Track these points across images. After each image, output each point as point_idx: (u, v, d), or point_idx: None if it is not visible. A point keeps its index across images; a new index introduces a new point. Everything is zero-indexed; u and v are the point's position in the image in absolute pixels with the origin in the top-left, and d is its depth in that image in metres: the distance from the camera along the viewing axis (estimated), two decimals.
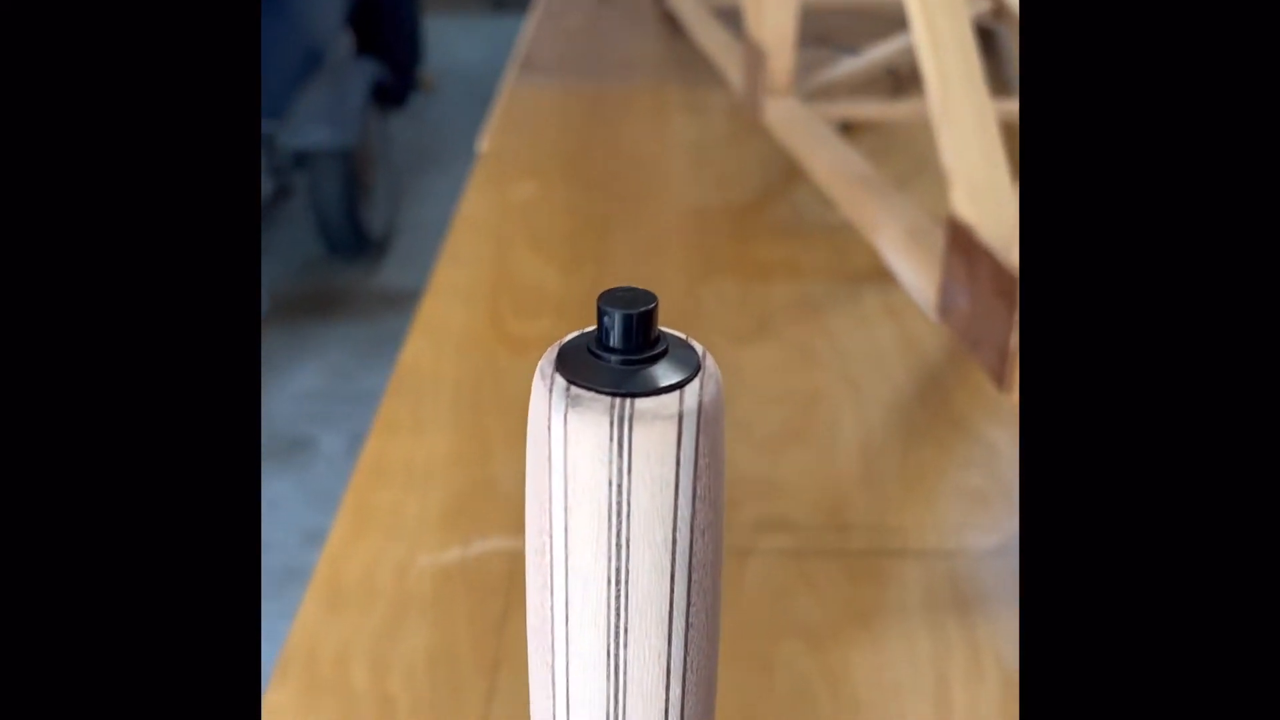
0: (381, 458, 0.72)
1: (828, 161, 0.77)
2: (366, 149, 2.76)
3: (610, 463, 0.21)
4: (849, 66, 1.12)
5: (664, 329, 0.23)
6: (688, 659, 0.23)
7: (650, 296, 0.22)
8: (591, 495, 0.21)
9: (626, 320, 0.22)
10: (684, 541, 0.22)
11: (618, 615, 0.22)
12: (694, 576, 0.22)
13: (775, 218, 1.03)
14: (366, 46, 3.13)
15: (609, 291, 0.22)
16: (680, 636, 0.23)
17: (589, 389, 0.21)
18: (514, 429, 0.74)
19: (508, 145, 1.19)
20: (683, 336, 0.23)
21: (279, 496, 1.99)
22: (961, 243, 0.52)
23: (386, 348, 2.45)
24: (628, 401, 0.21)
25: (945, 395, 0.77)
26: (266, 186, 2.64)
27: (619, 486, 0.21)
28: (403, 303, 2.57)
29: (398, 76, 3.10)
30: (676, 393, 0.21)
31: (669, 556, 0.22)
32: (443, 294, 0.91)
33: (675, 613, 0.23)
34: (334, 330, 2.58)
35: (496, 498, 0.68)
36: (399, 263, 2.84)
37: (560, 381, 0.21)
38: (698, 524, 0.22)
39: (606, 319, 0.22)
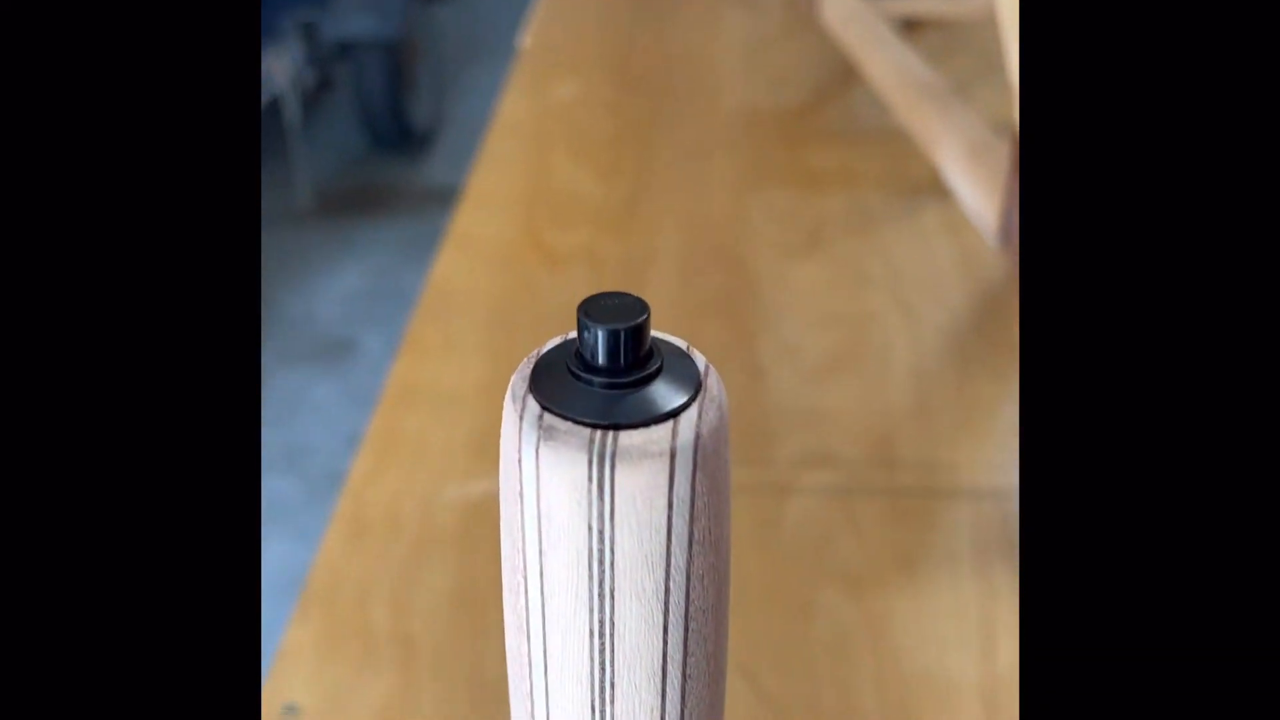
0: (409, 381, 0.70)
1: (886, 65, 0.72)
2: (411, 40, 2.70)
3: (590, 506, 0.18)
4: None
5: (661, 336, 0.20)
6: (685, 712, 0.20)
7: (641, 306, 0.19)
8: (570, 541, 0.18)
9: (612, 337, 0.18)
10: (679, 591, 0.19)
11: (603, 669, 0.20)
12: (691, 626, 0.20)
13: (830, 122, 0.98)
14: None
15: (592, 299, 0.19)
16: (676, 689, 0.20)
17: (565, 418, 0.18)
18: None
19: (550, 41, 1.14)
20: (682, 346, 0.20)
21: (322, 399, 2.00)
22: None
23: (431, 246, 2.43)
24: (610, 435, 0.18)
25: (1006, 322, 0.73)
26: (308, 78, 2.60)
27: (600, 533, 0.18)
28: (448, 199, 2.53)
29: None
30: (669, 424, 0.18)
31: (661, 607, 0.19)
32: (478, 203, 0.88)
33: (670, 665, 0.20)
34: (378, 228, 2.56)
35: None
36: (444, 158, 2.80)
37: (533, 406, 0.18)
38: (695, 570, 0.19)
39: (588, 334, 0.19)
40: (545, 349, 0.19)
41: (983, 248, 0.80)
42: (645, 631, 0.19)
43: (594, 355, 0.18)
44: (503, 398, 0.19)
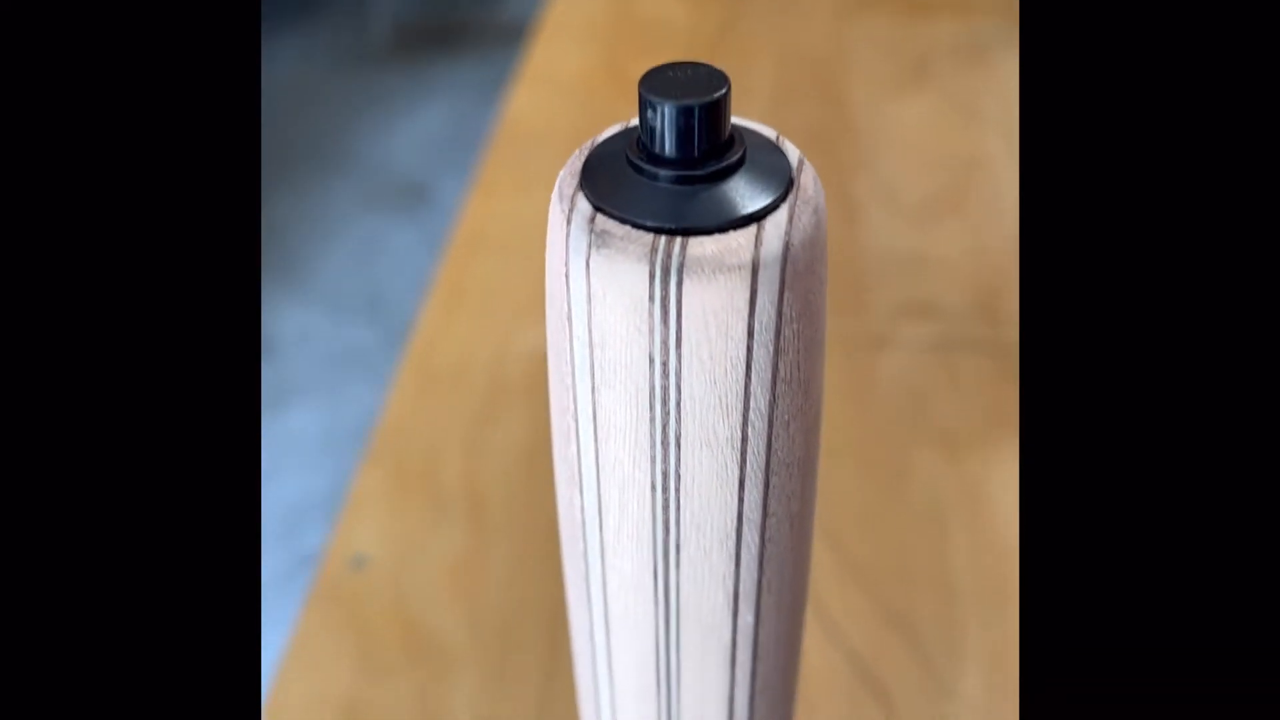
0: (479, 227, 0.68)
1: None
2: None
3: (652, 333, 0.15)
4: None
5: (745, 123, 0.17)
6: (763, 582, 0.18)
7: (719, 79, 0.16)
8: (627, 376, 0.16)
9: (682, 116, 0.15)
10: (758, 440, 0.16)
11: (666, 530, 0.17)
12: (772, 482, 0.17)
13: None
14: None
15: (657, 70, 0.16)
16: (753, 555, 0.17)
17: (623, 220, 0.15)
18: None
19: None
20: (771, 136, 0.17)
21: (400, 246, 2.00)
22: None
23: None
24: (677, 242, 0.15)
25: None
26: None
27: (664, 366, 0.15)
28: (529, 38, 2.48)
29: None
30: (752, 229, 0.15)
31: (736, 459, 0.16)
32: (555, 34, 0.85)
33: (746, 527, 0.17)
34: (458, 66, 2.52)
35: None
36: None
37: (584, 207, 0.15)
38: (779, 416, 0.16)
39: (653, 113, 0.15)
40: (601, 138, 0.17)
41: None
42: (717, 487, 0.16)
43: (659, 141, 0.15)
44: None
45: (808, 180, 0.16)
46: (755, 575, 0.18)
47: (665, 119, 0.15)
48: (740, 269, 0.14)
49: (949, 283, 0.62)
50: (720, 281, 0.14)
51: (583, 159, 0.16)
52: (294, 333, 1.84)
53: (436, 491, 0.53)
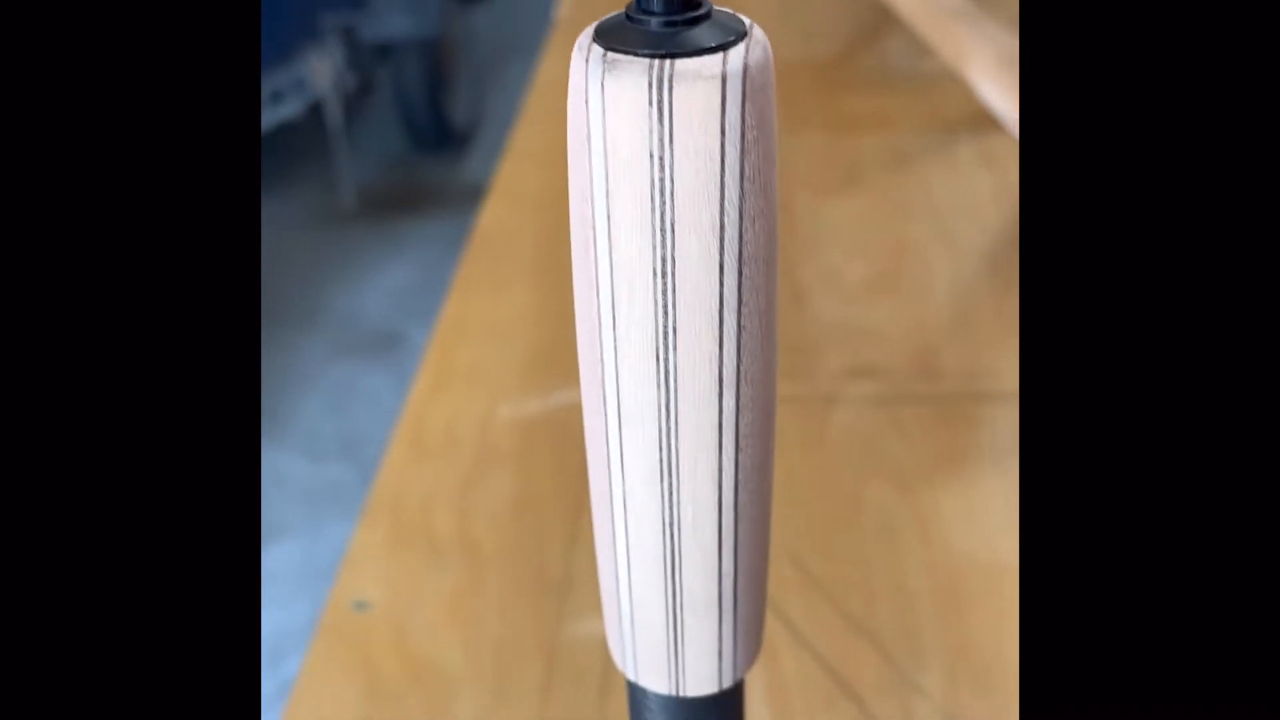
0: (461, 315, 0.72)
1: None
2: (448, 40, 2.75)
3: (651, 132, 0.19)
4: None
5: (712, 4, 0.22)
6: (740, 366, 0.22)
7: None
8: (632, 172, 0.20)
9: None
10: (733, 228, 0.20)
11: (665, 313, 0.21)
12: (745, 270, 0.21)
13: (863, 69, 0.99)
14: None
15: None
16: (733, 339, 0.21)
17: (626, 52, 0.20)
18: None
19: (584, 9, 1.16)
20: (730, 11, 0.22)
21: (374, 389, 2.04)
22: None
23: None
24: (667, 62, 0.19)
25: None
26: (349, 81, 2.64)
27: (660, 160, 0.20)
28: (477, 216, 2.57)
29: None
30: (720, 54, 0.19)
31: (717, 244, 0.20)
32: (521, 157, 0.90)
33: (726, 310, 0.21)
34: (423, 224, 2.60)
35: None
36: (485, 155, 2.84)
37: (597, 50, 0.20)
38: (747, 210, 0.20)
39: None
40: (606, 18, 0.21)
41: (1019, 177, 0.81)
42: (704, 269, 0.20)
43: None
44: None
45: (757, 32, 0.20)
46: (735, 360, 0.22)
47: None
48: (714, 78, 0.19)
49: (889, 349, 0.67)
50: (699, 87, 0.19)
51: (593, 28, 0.21)
52: (272, 475, 1.85)
53: (432, 541, 0.56)
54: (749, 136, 0.20)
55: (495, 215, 0.83)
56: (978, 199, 0.81)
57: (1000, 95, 0.60)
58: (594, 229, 0.21)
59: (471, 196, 2.65)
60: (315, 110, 2.55)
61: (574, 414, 0.63)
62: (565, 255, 0.75)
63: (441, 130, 2.75)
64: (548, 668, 0.50)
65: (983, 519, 0.55)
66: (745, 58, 0.19)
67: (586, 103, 0.20)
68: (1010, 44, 0.63)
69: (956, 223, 0.78)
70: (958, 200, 0.80)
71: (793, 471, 0.58)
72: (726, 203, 0.20)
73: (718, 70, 0.19)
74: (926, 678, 0.48)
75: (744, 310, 0.21)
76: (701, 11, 0.20)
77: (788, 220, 0.80)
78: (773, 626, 0.50)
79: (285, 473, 1.87)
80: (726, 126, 0.20)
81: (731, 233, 0.20)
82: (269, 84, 2.34)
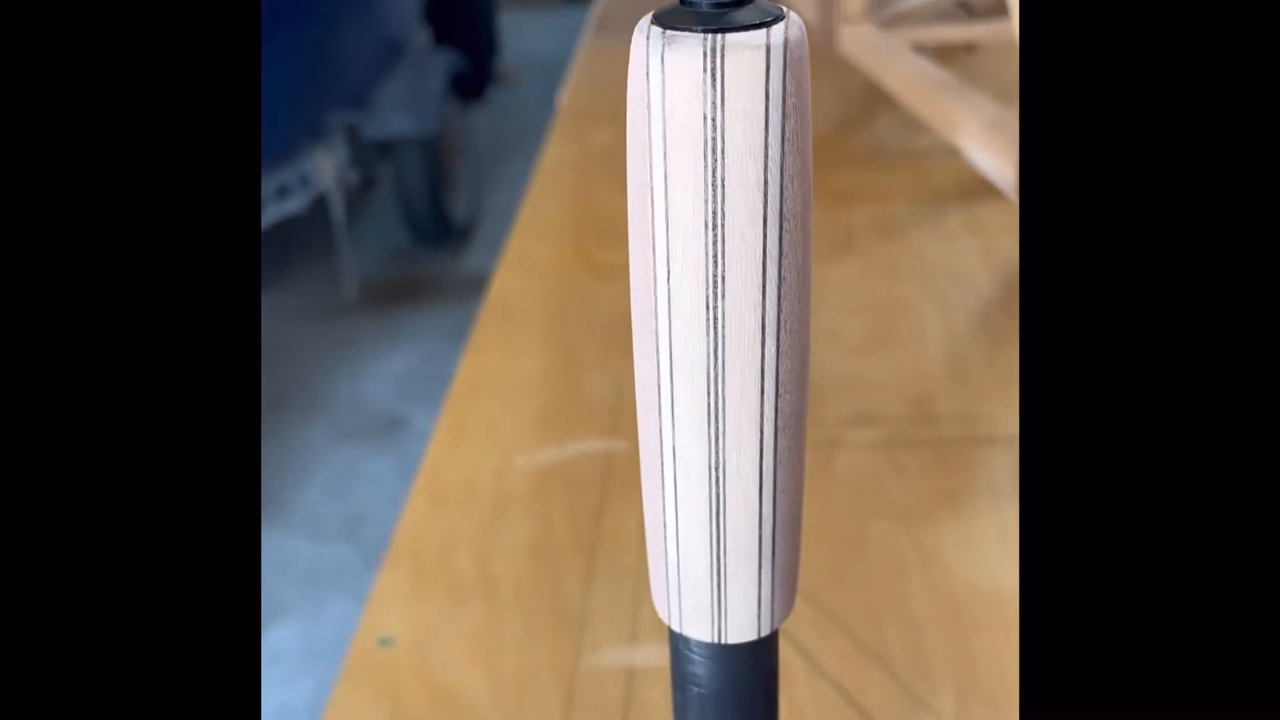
0: (475, 376, 0.74)
1: (906, 72, 0.78)
2: (448, 138, 2.81)
3: (705, 96, 0.22)
4: None
5: None
6: (781, 315, 0.24)
7: None
8: (689, 133, 0.22)
9: None
10: (775, 185, 0.23)
11: (715, 263, 0.23)
12: (785, 225, 0.23)
13: (856, 146, 1.03)
14: (445, 40, 3.18)
15: None
16: (774, 289, 0.24)
17: (683, 29, 0.22)
18: (604, 345, 0.76)
19: (585, 99, 1.21)
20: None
21: (377, 473, 2.04)
22: None
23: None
24: (719, 36, 0.22)
25: None
26: (351, 177, 2.70)
27: (713, 121, 0.22)
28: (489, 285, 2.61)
29: (475, 69, 3.15)
30: (764, 29, 0.22)
31: (761, 198, 0.23)
32: (528, 233, 0.93)
33: (769, 261, 0.23)
34: (423, 315, 2.63)
35: (589, 405, 0.69)
36: (484, 248, 2.89)
37: (656, 30, 0.23)
38: (787, 169, 0.23)
39: None
40: (662, 7, 0.24)
41: (1006, 241, 0.84)
42: (749, 221, 0.23)
43: None
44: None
45: (794, 16, 0.23)
46: (776, 308, 0.24)
47: None
48: (759, 48, 0.22)
49: (888, 398, 0.69)
50: (747, 55, 0.22)
51: (651, 14, 0.23)
52: (276, 557, 1.84)
53: (453, 581, 0.57)
54: (789, 102, 0.22)
55: (505, 284, 0.85)
56: (967, 262, 0.83)
57: (991, 159, 0.63)
58: (651, 190, 0.23)
59: (470, 288, 2.69)
60: (319, 204, 2.60)
61: (586, 462, 0.64)
62: (573, 319, 0.79)
63: (442, 224, 2.79)
64: (567, 699, 0.50)
65: (983, 551, 0.56)
66: (785, 33, 0.22)
67: (648, 75, 0.22)
68: (996, 112, 0.66)
69: (947, 284, 0.81)
70: (948, 264, 0.83)
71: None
72: (770, 160, 0.22)
73: (762, 42, 0.22)
74: (937, 699, 0.49)
75: (784, 262, 0.23)
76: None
77: None
78: (788, 656, 0.51)
79: (288, 555, 1.87)
80: (770, 91, 0.22)
81: (774, 189, 0.23)
82: (274, 180, 2.39)
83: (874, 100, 1.02)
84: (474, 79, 3.14)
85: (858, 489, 0.61)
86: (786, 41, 0.22)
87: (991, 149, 0.62)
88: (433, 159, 2.69)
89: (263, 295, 2.66)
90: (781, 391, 0.24)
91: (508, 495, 0.63)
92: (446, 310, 2.64)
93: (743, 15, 0.22)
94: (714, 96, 0.22)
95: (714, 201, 0.23)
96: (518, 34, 4.19)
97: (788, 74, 0.22)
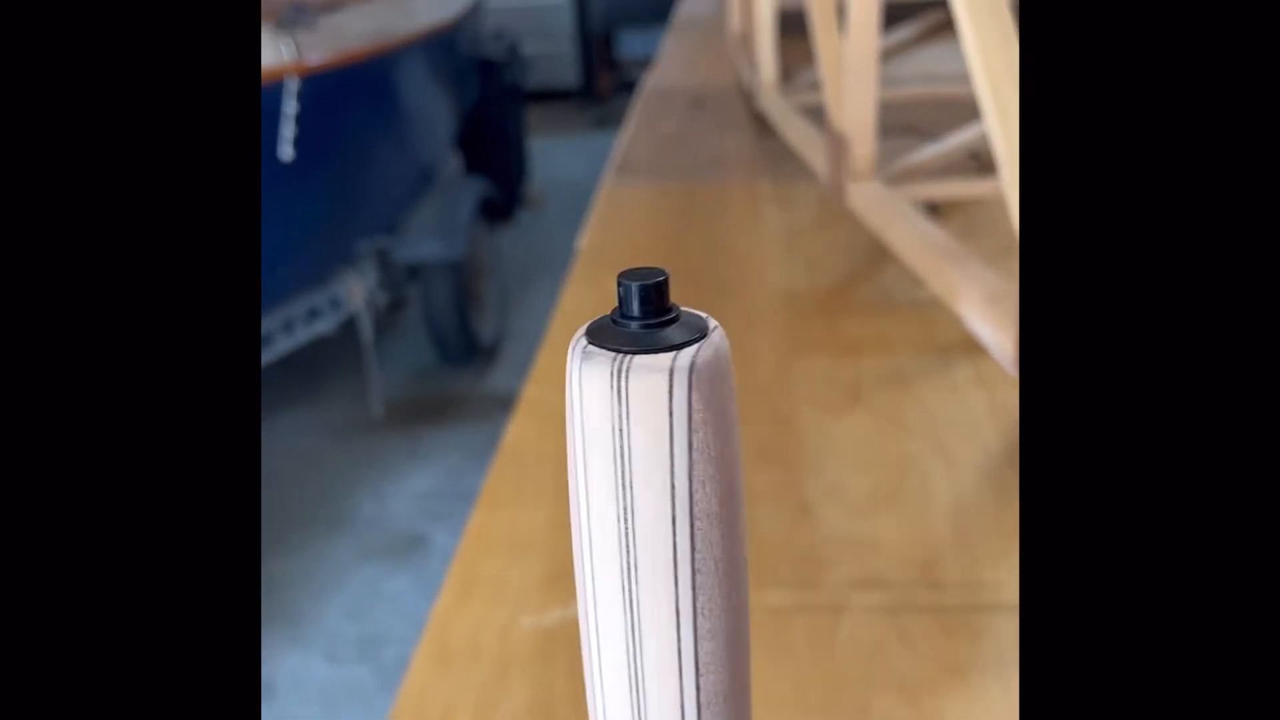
0: (486, 530, 0.74)
1: (909, 235, 0.79)
2: (476, 260, 2.86)
3: (613, 409, 0.24)
4: (931, 152, 1.14)
5: (687, 309, 0.26)
6: (697, 603, 0.25)
7: (661, 272, 0.25)
8: (601, 439, 0.24)
9: (640, 290, 0.25)
10: (683, 489, 0.24)
11: (628, 552, 0.24)
12: (696, 525, 0.24)
13: (864, 297, 1.04)
14: (476, 166, 3.26)
15: (627, 270, 0.25)
16: (687, 580, 0.25)
17: (601, 348, 0.24)
18: None
19: (605, 242, 1.23)
20: (703, 315, 0.26)
21: (398, 591, 2.03)
22: None
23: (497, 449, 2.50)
24: (627, 357, 0.24)
25: None
26: (380, 299, 2.74)
27: (620, 431, 0.24)
28: (512, 405, 2.62)
29: (504, 193, 3.21)
30: (672, 353, 0.24)
31: (669, 501, 0.24)
32: (545, 380, 0.94)
33: (679, 556, 0.24)
34: (447, 433, 2.64)
35: None
36: (508, 367, 2.91)
37: (581, 343, 0.25)
38: (696, 475, 0.24)
39: (622, 289, 0.25)
40: (597, 319, 0.25)
41: (1012, 395, 0.84)
42: (656, 520, 0.24)
43: (626, 305, 0.25)
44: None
45: (716, 335, 0.24)
46: (690, 597, 0.25)
47: (629, 292, 0.25)
48: (662, 372, 0.23)
49: (894, 561, 0.68)
50: (650, 378, 0.24)
51: (589, 324, 0.24)
52: (292, 676, 1.82)
53: None
54: (696, 417, 0.24)
55: (519, 433, 0.85)
56: (973, 416, 0.83)
57: (988, 329, 0.64)
58: (577, 481, 0.24)
59: (493, 407, 2.70)
60: (349, 325, 2.64)
61: None
62: None
63: (468, 344, 2.82)
64: None
65: None
66: (695, 356, 0.23)
67: (571, 385, 0.24)
68: (996, 283, 0.67)
69: (953, 439, 0.80)
70: (954, 418, 0.83)
71: (803, 680, 0.58)
72: (675, 468, 0.24)
73: (667, 366, 0.23)
74: None
75: (697, 556, 0.25)
76: (670, 316, 0.24)
77: (795, 438, 0.82)
78: None
79: (305, 674, 1.84)
80: (674, 410, 0.23)
81: (682, 492, 0.24)
82: (306, 303, 2.42)
83: (880, 252, 1.03)
84: (502, 203, 3.20)
85: (863, 658, 0.60)
86: (693, 364, 0.24)
87: (991, 322, 0.62)
88: (460, 281, 2.73)
89: (292, 412, 2.68)
90: (703, 672, 0.25)
91: (511, 657, 0.62)
92: (470, 428, 2.65)
93: (664, 335, 0.24)
94: (620, 410, 0.23)
95: (624, 499, 0.24)
96: (545, 158, 4.28)
97: (694, 393, 0.24)
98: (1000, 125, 0.58)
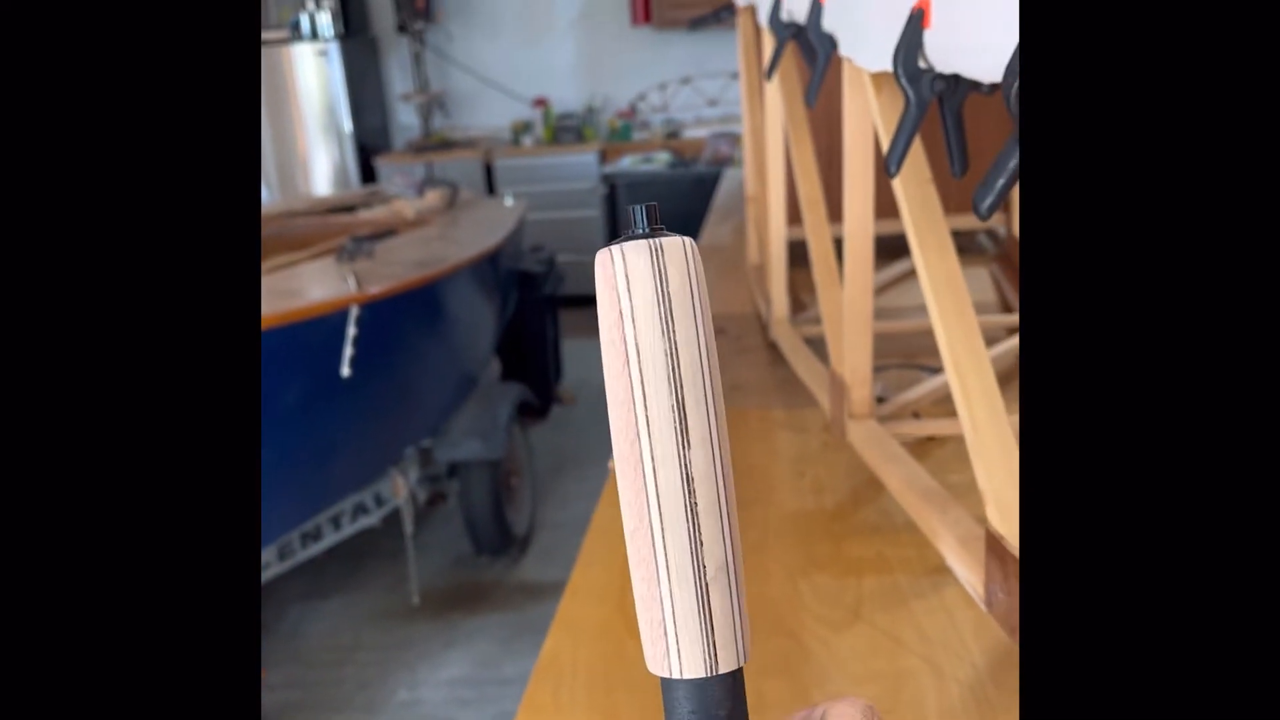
0: None
1: (898, 476, 0.87)
2: (511, 457, 2.95)
3: (653, 267, 0.36)
4: (931, 384, 1.24)
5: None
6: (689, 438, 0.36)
7: (654, 201, 0.37)
8: (644, 287, 0.36)
9: (645, 209, 0.37)
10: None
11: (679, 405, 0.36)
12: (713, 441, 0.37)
13: (865, 519, 1.12)
14: (513, 370, 3.39)
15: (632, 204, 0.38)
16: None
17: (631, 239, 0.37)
18: (643, 706, 0.82)
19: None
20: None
21: None
22: (995, 550, 0.60)
23: (528, 636, 2.53)
24: (656, 239, 0.37)
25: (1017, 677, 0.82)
26: (422, 493, 2.82)
27: (659, 276, 0.36)
28: (543, 594, 2.66)
29: (540, 395, 3.34)
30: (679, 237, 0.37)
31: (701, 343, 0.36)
32: (579, 594, 1.01)
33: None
34: (481, 620, 2.67)
35: None
36: (539, 558, 2.96)
37: (615, 245, 0.37)
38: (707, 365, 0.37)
39: (632, 211, 0.37)
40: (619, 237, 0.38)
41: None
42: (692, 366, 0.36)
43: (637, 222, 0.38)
44: None
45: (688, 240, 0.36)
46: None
47: (638, 210, 0.37)
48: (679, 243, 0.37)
49: None
50: (672, 245, 0.37)
51: (614, 240, 0.37)
52: None
53: None
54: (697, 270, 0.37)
55: (556, 645, 0.92)
56: (962, 634, 0.89)
57: (962, 569, 0.71)
58: (623, 332, 0.35)
59: (526, 594, 2.74)
60: (393, 518, 2.71)
61: None
62: (615, 681, 0.87)
63: (503, 536, 2.88)
64: None
65: None
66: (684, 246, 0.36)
67: (616, 265, 0.36)
68: (969, 526, 0.75)
69: (944, 656, 0.87)
70: (945, 636, 0.89)
71: None
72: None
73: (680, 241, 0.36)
74: None
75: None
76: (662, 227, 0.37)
77: (802, 650, 0.89)
78: None
79: None
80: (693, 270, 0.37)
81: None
82: (353, 500, 2.51)
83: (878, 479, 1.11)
84: (538, 404, 3.31)
85: None
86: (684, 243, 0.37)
87: (964, 564, 0.70)
88: (496, 477, 2.82)
89: (336, 598, 2.72)
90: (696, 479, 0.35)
91: None
92: (501, 617, 2.68)
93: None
94: (658, 265, 0.36)
95: (669, 340, 0.36)
96: (578, 358, 4.43)
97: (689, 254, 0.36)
98: (960, 396, 0.67)
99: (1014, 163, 0.50)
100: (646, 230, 0.37)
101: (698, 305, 0.36)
